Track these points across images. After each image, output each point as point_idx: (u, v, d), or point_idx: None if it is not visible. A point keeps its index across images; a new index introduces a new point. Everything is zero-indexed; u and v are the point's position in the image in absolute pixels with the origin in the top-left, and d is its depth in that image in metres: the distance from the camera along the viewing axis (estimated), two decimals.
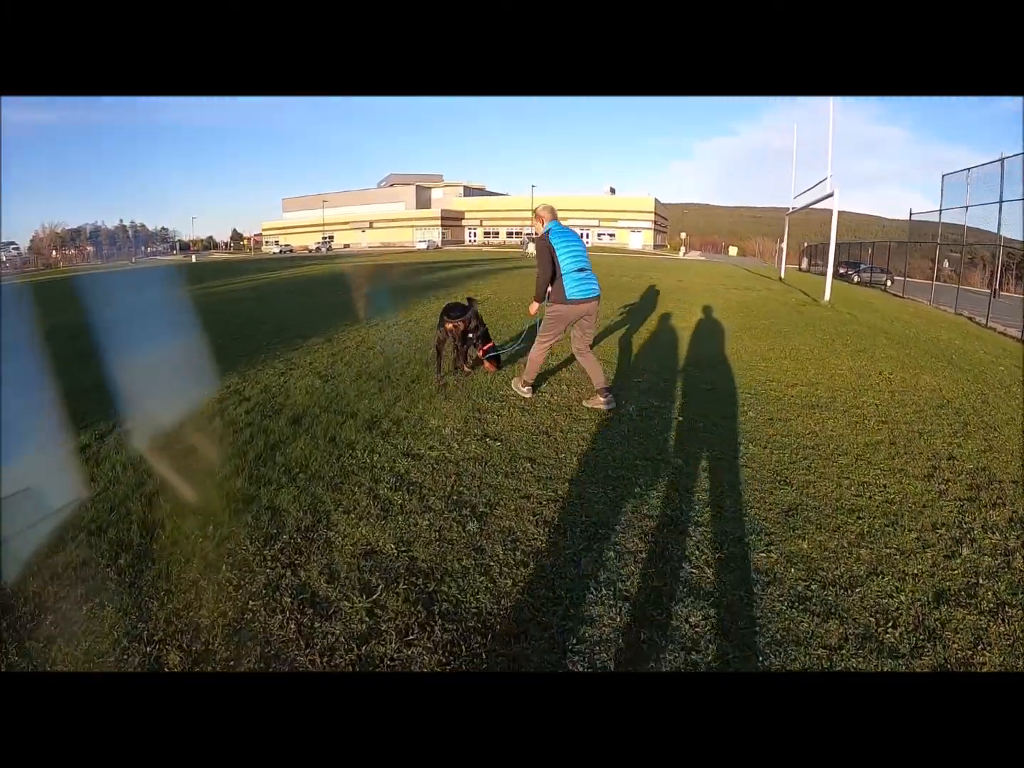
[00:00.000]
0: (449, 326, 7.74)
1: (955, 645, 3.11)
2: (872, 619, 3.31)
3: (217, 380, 7.74)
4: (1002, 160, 17.92)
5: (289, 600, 3.28)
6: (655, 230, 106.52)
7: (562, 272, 6.56)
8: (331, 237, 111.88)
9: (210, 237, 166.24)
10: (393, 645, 2.97)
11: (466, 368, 8.19)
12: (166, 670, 2.84)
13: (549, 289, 6.68)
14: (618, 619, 3.23)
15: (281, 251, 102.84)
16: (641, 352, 10.06)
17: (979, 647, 3.10)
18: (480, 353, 8.25)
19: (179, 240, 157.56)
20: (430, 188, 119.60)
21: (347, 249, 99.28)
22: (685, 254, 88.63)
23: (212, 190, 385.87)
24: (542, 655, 2.94)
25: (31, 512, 4.21)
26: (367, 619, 3.15)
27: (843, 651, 3.06)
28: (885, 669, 2.96)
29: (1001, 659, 3.00)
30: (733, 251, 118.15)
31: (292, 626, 3.09)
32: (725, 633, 3.16)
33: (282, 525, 4.06)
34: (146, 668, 2.85)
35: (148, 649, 2.94)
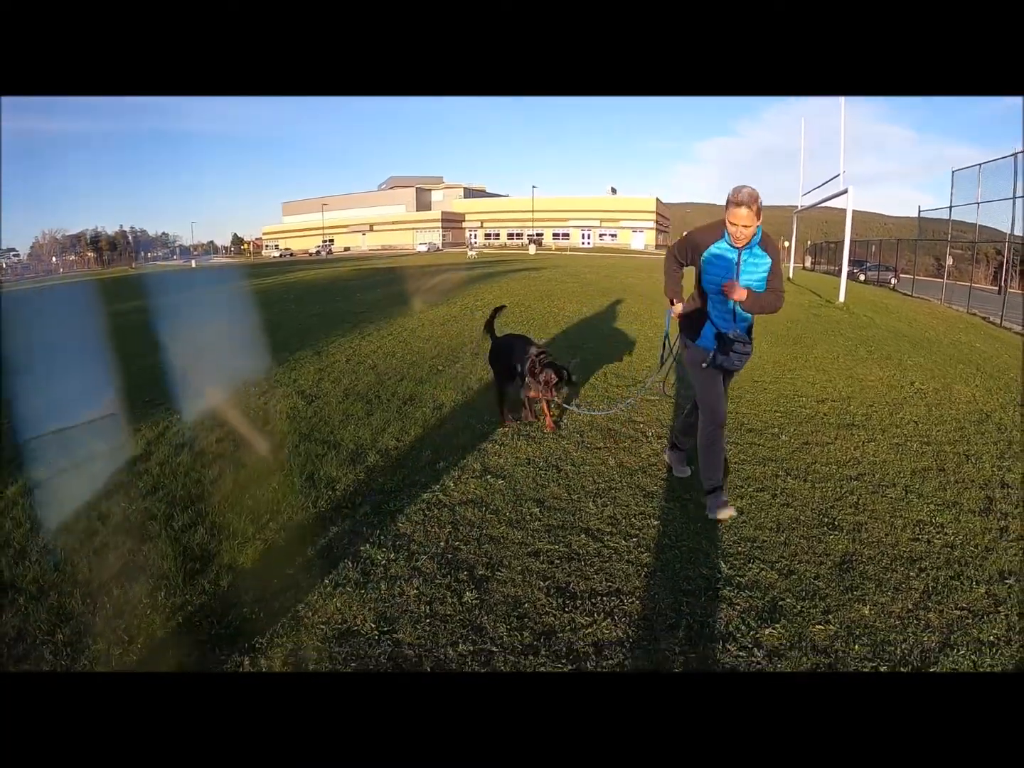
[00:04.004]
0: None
1: None
2: None
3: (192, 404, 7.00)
4: (1016, 155, 17.31)
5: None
6: (657, 230, 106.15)
7: None
8: (331, 241, 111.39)
9: (211, 242, 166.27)
10: None
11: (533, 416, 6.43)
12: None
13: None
14: None
15: (281, 255, 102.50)
16: (655, 363, 9.24)
17: None
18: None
19: (179, 245, 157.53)
20: (430, 190, 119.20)
21: (347, 252, 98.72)
22: None
23: (212, 194, 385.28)
24: None
25: None
26: None
27: None
28: None
29: None
30: None
31: None
32: None
33: (244, 593, 3.38)
34: None
35: None
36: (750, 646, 3.07)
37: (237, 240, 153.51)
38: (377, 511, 4.33)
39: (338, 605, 3.29)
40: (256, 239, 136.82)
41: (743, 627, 3.21)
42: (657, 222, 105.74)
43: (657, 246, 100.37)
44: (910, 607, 3.43)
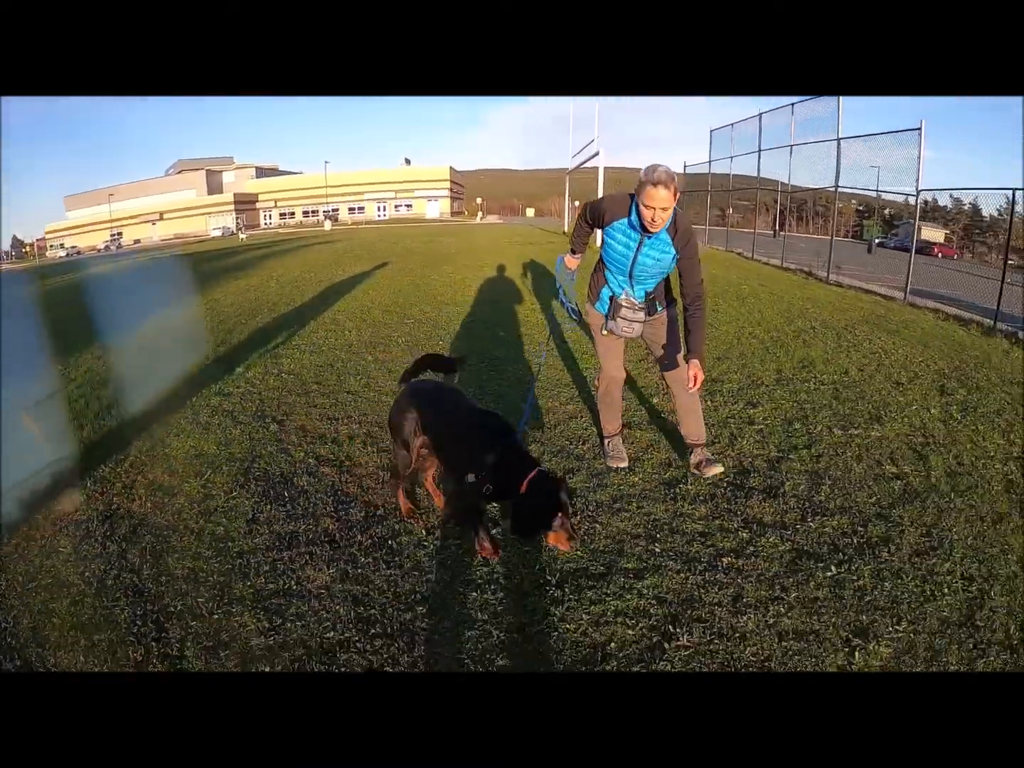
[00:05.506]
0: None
1: None
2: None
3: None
4: (760, 115, 21.37)
5: (143, 491, 4.44)
6: (452, 198, 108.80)
7: None
8: (119, 234, 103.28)
9: None
10: (221, 500, 4.28)
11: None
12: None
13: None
14: (378, 459, 4.80)
15: (68, 254, 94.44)
16: (430, 302, 11.60)
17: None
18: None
19: None
20: (221, 172, 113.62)
21: (138, 245, 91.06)
22: (482, 219, 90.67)
23: None
24: (337, 496, 4.34)
25: None
26: (201, 490, 4.43)
27: None
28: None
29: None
30: (530, 212, 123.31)
31: (149, 505, 4.28)
32: None
33: (127, 452, 5.15)
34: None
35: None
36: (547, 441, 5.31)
37: (18, 243, 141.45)
38: (208, 403, 6.26)
39: (191, 444, 5.24)
40: (39, 239, 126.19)
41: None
42: (452, 190, 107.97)
43: (452, 213, 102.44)
44: (558, 404, 5.75)
